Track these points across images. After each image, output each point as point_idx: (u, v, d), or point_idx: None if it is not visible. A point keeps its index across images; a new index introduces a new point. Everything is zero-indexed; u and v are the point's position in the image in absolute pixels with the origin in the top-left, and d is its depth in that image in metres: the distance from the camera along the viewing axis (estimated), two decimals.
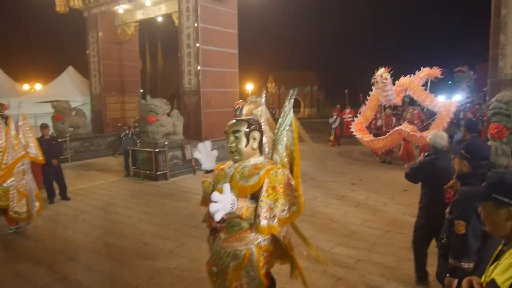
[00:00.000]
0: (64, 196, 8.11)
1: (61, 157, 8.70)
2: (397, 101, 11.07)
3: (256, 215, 2.39)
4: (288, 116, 2.69)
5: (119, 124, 13.01)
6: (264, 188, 2.41)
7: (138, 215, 7.03)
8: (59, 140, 12.10)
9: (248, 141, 2.55)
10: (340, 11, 70.50)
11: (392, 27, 66.51)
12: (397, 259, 4.81)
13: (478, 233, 2.62)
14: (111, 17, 14.34)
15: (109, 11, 13.86)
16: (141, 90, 19.08)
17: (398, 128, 10.34)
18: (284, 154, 2.71)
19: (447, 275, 2.76)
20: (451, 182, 3.41)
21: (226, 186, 2.23)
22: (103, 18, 14.25)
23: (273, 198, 2.41)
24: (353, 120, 12.24)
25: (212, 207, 2.14)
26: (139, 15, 13.73)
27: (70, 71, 16.25)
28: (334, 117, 15.88)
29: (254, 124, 2.60)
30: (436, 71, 10.83)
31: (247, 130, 2.55)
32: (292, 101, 2.70)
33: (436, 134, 4.02)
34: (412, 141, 10.43)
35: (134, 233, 6.05)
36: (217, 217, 2.16)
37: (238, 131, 2.54)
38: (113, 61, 14.50)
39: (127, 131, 10.86)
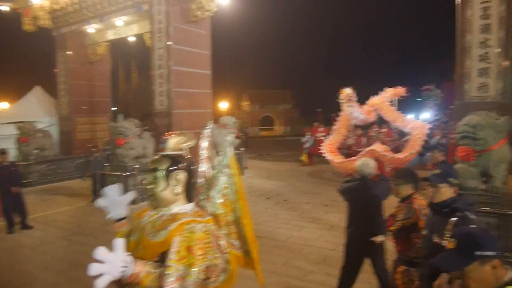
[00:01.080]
0: (25, 225, 7.64)
1: (23, 182, 8.29)
2: (370, 117, 11.19)
3: (159, 287, 1.79)
4: (226, 155, 2.27)
5: (89, 146, 12.60)
6: (174, 249, 1.81)
7: (107, 244, 6.68)
8: (24, 163, 11.74)
9: (168, 183, 2.00)
10: (313, 32, 72.35)
11: (364, 46, 68.67)
12: (371, 285, 4.73)
13: None
14: (81, 36, 14.06)
15: (79, 30, 13.59)
16: (115, 109, 18.69)
17: (370, 148, 10.42)
18: (219, 203, 2.26)
19: None
20: (394, 210, 3.52)
21: (118, 242, 1.71)
22: (72, 37, 13.95)
23: (187, 263, 1.79)
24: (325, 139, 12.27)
25: (93, 269, 1.62)
26: (110, 35, 13.53)
27: (37, 91, 15.72)
28: (307, 136, 15.94)
29: (179, 162, 2.05)
30: (401, 90, 11.08)
31: (168, 169, 2.00)
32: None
33: (363, 162, 4.22)
34: (384, 161, 10.52)
35: None
36: (100, 284, 1.62)
37: (156, 169, 2.01)
38: (83, 81, 14.15)
39: (96, 154, 10.52)
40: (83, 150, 13.44)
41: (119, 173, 9.55)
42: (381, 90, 11.21)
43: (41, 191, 11.67)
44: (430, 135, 13.25)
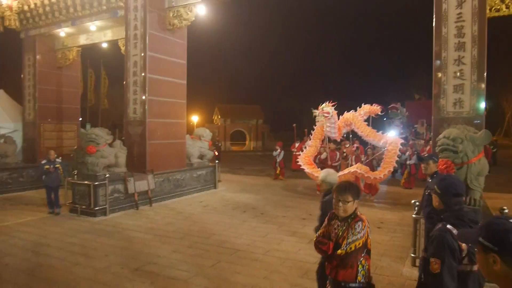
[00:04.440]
0: None
1: None
2: (337, 135, 11.26)
3: None
4: None
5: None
6: None
7: (73, 257, 6.27)
8: None
9: None
10: (284, 49, 73.61)
11: (332, 66, 70.43)
12: None
13: (454, 272, 2.48)
14: (50, 40, 13.52)
15: (49, 33, 13.06)
16: (80, 119, 17.91)
17: (354, 170, 10.30)
18: None
19: None
20: (325, 229, 3.16)
21: None
22: (42, 40, 13.39)
23: None
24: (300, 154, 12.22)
25: None
26: (82, 40, 13.07)
27: (1, 95, 14.90)
28: (278, 150, 15.93)
29: None
30: (377, 108, 11.27)
31: None
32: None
33: (327, 172, 4.23)
34: (363, 179, 10.52)
35: (67, 279, 5.33)
36: None
37: None
38: (51, 86, 13.52)
39: (47, 166, 9.17)
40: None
41: (88, 182, 9.08)
42: (351, 108, 11.32)
43: (2, 200, 10.94)
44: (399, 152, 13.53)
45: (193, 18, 11.33)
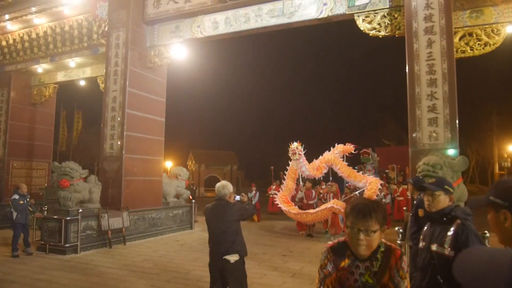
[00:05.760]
0: None
1: None
2: (315, 174, 11.21)
3: None
4: None
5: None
6: None
7: None
8: None
9: None
10: (260, 96, 75.57)
11: (307, 113, 72.50)
12: None
13: None
14: (27, 76, 13.34)
15: (25, 69, 12.92)
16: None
17: (330, 205, 10.27)
18: None
19: None
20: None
21: None
22: (17, 76, 13.18)
23: None
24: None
25: None
26: (60, 77, 12.97)
27: None
28: (254, 191, 15.79)
29: None
30: (350, 147, 11.45)
31: None
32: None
33: (222, 184, 4.49)
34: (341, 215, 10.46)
35: None
36: None
37: None
38: (24, 122, 13.15)
39: (22, 201, 8.36)
40: None
41: (60, 217, 8.63)
42: (322, 149, 11.46)
43: None
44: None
45: (174, 57, 11.55)
